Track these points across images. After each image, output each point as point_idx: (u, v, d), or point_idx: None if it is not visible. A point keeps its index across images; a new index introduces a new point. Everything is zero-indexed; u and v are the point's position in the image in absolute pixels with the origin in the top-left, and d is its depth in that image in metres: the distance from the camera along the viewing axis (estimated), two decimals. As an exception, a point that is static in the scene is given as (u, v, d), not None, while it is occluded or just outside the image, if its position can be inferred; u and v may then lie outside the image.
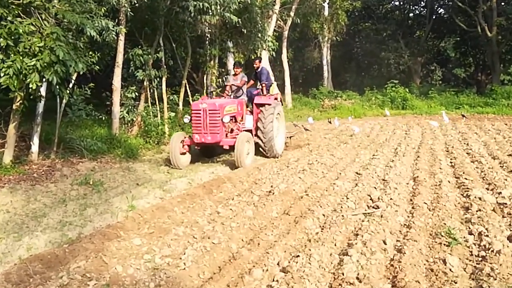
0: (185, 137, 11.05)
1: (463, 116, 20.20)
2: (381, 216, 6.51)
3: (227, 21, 14.66)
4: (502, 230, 5.83)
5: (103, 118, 13.49)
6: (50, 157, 10.53)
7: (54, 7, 8.51)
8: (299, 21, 26.10)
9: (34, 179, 9.03)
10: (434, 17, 38.43)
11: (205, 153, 12.13)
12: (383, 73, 41.18)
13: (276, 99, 12.32)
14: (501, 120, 20.30)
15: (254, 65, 12.87)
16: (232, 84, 12.16)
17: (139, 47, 14.10)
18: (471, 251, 5.29)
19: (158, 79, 15.09)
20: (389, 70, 40.42)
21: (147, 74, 14.28)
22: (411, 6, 41.90)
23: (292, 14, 26.26)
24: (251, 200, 7.74)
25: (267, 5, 19.45)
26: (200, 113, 10.58)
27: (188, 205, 7.51)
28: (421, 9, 41.85)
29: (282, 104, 13.75)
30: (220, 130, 10.61)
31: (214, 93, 12.70)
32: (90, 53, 10.03)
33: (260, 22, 18.20)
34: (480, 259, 5.08)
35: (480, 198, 7.19)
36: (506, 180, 8.31)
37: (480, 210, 6.69)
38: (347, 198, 7.60)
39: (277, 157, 11.88)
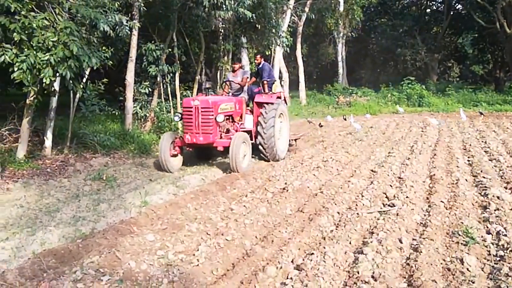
0: (176, 138, 10.08)
1: (481, 113, 19.90)
2: (397, 215, 6.42)
3: (241, 16, 14.56)
4: (521, 229, 5.71)
5: (116, 113, 13.54)
6: (64, 152, 10.58)
7: (67, 1, 8.53)
8: (314, 17, 25.94)
9: (48, 174, 9.07)
10: (451, 13, 37.98)
11: (200, 155, 11.26)
12: (399, 70, 40.94)
13: (279, 97, 11.37)
14: (520, 118, 19.99)
15: (255, 61, 12.19)
16: (231, 81, 11.42)
17: (153, 42, 14.09)
18: (489, 251, 5.19)
19: (171, 74, 15.09)
20: (405, 66, 40.12)
21: (160, 69, 14.26)
22: (428, 2, 41.59)
23: (306, 9, 26.11)
24: (264, 197, 7.68)
25: (281, 1, 19.28)
26: (191, 111, 9.63)
27: (202, 202, 7.48)
28: (438, 4, 41.59)
29: (287, 104, 12.68)
30: (214, 130, 9.68)
31: (211, 89, 11.92)
32: (104, 48, 10.08)
33: (275, 18, 18.07)
34: (498, 258, 4.98)
35: (498, 197, 7.07)
36: (525, 178, 8.16)
37: (498, 209, 6.57)
38: (362, 196, 7.51)
39: (279, 161, 10.97)
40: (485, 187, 7.82)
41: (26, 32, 7.82)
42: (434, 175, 8.86)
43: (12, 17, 7.77)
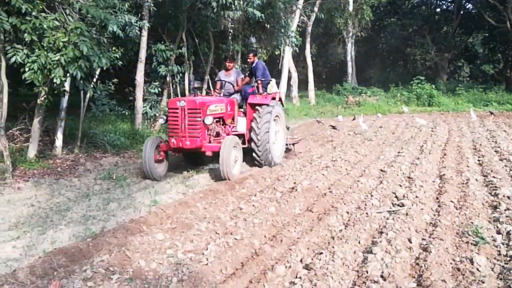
0: (161, 142, 9.29)
1: (491, 113, 19.75)
2: (406, 214, 6.39)
3: (250, 16, 14.57)
4: (532, 229, 5.67)
5: (126, 113, 13.60)
6: (74, 151, 10.66)
7: (78, 2, 8.58)
8: (323, 17, 25.85)
9: (58, 173, 9.15)
10: (461, 12, 37.80)
11: (190, 159, 10.49)
12: (408, 69, 40.76)
13: (274, 98, 10.48)
14: (531, 118, 19.82)
15: (248, 60, 11.17)
16: (223, 81, 10.64)
17: (162, 42, 14.15)
18: (499, 251, 5.16)
19: (180, 74, 15.14)
20: (415, 66, 39.93)
21: (169, 69, 14.33)
22: (438, 1, 41.41)
23: (316, 9, 26.08)
24: (273, 197, 7.67)
25: (290, 0, 19.29)
26: (177, 113, 8.81)
27: (211, 201, 7.49)
28: (448, 4, 41.29)
29: (283, 105, 11.63)
30: (201, 134, 8.86)
31: (202, 89, 11.13)
32: (114, 48, 10.12)
33: (284, 18, 18.08)
34: (508, 258, 4.96)
35: (508, 197, 7.04)
36: (536, 178, 8.10)
37: (508, 209, 6.53)
38: (372, 196, 7.49)
39: (273, 166, 10.11)
40: (496, 187, 7.77)
41: (37, 32, 7.87)
42: (444, 174, 8.82)
43: (23, 17, 7.83)
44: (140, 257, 5.06)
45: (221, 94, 10.53)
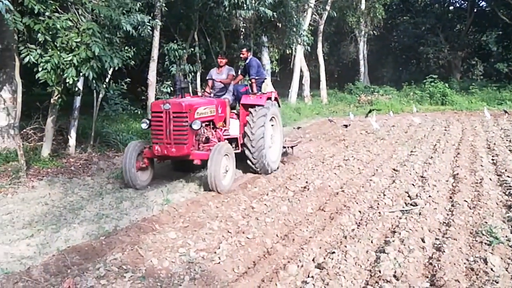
0: (145, 147, 8.43)
1: (506, 112, 19.52)
2: (419, 214, 6.35)
3: (261, 15, 14.58)
4: (547, 229, 5.61)
5: (139, 112, 13.65)
6: (87, 150, 10.74)
7: (90, 2, 8.62)
8: (335, 15, 25.77)
9: (72, 172, 9.23)
10: (475, 10, 37.43)
11: (178, 166, 9.61)
12: (421, 68, 40.42)
13: (269, 98, 9.55)
14: (546, 117, 19.54)
15: (241, 56, 10.21)
16: (215, 80, 9.57)
17: (174, 42, 14.20)
18: (513, 251, 5.10)
19: (192, 74, 15.16)
20: (428, 65, 39.61)
21: (182, 68, 14.35)
22: (451, -1, 40.94)
23: (328, 7, 25.95)
24: (285, 196, 7.67)
25: (302, -1, 19.31)
26: (161, 117, 7.91)
27: (223, 200, 7.50)
28: (462, 2, 40.86)
29: (279, 105, 10.48)
30: (189, 140, 7.93)
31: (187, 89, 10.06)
32: (126, 48, 10.17)
33: (295, 17, 18.07)
34: (523, 259, 4.89)
35: (523, 196, 6.94)
36: (551, 178, 7.99)
37: (524, 208, 6.45)
38: (384, 195, 7.46)
39: (270, 173, 9.33)
40: (510, 186, 7.69)
41: (50, 32, 7.93)
42: (457, 174, 8.74)
43: (37, 18, 7.89)
44: (152, 256, 5.09)
45: (212, 95, 9.59)
